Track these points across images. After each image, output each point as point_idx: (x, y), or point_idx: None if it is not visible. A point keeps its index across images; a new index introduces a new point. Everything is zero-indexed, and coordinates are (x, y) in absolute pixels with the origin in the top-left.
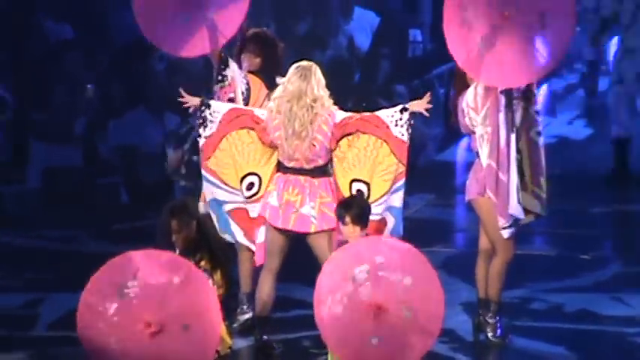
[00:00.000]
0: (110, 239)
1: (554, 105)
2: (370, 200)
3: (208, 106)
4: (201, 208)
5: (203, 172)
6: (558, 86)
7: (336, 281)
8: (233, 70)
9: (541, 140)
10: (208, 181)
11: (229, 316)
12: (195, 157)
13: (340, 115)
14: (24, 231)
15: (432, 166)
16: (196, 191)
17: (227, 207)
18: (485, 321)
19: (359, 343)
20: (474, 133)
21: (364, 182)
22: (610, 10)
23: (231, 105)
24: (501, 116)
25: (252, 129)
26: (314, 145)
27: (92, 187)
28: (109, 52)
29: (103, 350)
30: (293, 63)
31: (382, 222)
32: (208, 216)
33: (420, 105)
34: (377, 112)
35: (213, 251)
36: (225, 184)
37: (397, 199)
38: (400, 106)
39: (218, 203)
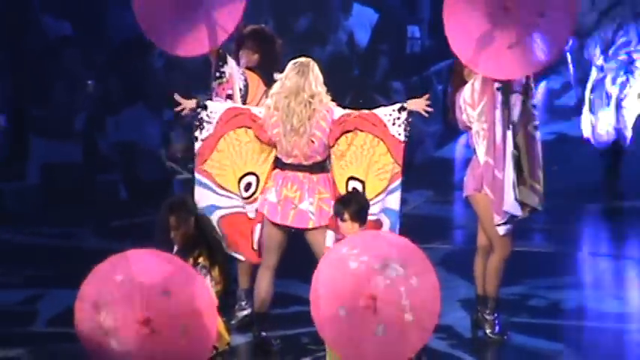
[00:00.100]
0: (109, 235)
1: (552, 101)
2: None
3: (205, 108)
4: None
5: (197, 175)
6: (557, 84)
7: (333, 276)
8: (231, 67)
9: (538, 134)
10: (201, 184)
11: (228, 312)
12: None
13: (339, 111)
14: (23, 227)
15: (430, 163)
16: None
17: (219, 213)
18: (484, 317)
19: (356, 339)
20: (471, 129)
21: (360, 180)
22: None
23: (228, 104)
24: (497, 113)
25: (250, 128)
26: (312, 142)
27: (91, 184)
28: (108, 49)
29: (100, 347)
30: (291, 59)
31: (377, 223)
32: None
33: (419, 104)
34: (375, 110)
35: (211, 248)
36: (221, 187)
37: (394, 201)
38: (399, 105)
39: (210, 211)
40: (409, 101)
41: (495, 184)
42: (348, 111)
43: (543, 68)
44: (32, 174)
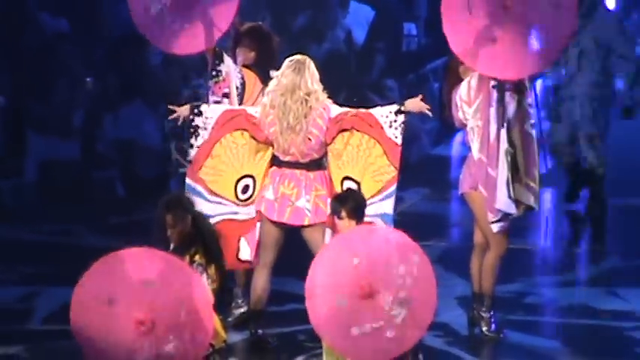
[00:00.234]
0: (107, 233)
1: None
2: None
3: (199, 114)
4: None
5: (189, 181)
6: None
7: (328, 273)
8: (228, 65)
9: (534, 132)
10: (194, 191)
11: (224, 310)
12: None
13: (335, 109)
14: (20, 224)
15: (426, 161)
16: None
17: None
18: (480, 315)
19: (353, 335)
20: (466, 126)
21: (355, 181)
22: None
23: (224, 107)
24: (492, 111)
25: (246, 130)
26: (309, 139)
27: (89, 181)
28: (105, 45)
29: (96, 346)
30: (288, 57)
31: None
32: None
33: (415, 105)
34: (372, 110)
35: (207, 246)
36: (213, 194)
37: (388, 206)
38: (396, 107)
39: None
40: (407, 102)
41: (488, 182)
42: (345, 109)
43: (543, 69)
44: (30, 171)
